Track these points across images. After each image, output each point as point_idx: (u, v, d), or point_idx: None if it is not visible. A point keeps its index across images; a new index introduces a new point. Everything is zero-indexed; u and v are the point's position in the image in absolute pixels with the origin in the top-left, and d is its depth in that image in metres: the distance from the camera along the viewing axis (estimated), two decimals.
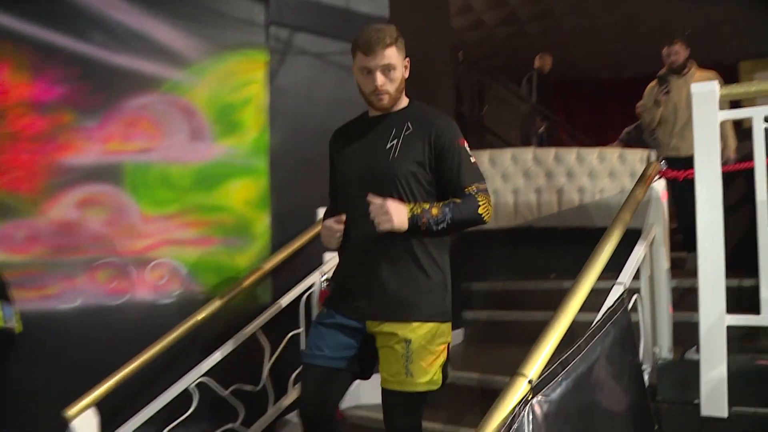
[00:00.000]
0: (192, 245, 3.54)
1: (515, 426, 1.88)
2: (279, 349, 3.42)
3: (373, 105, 2.37)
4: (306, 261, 3.58)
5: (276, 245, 3.61)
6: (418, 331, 2.28)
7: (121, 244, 3.46)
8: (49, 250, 3.39)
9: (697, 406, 2.56)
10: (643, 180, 2.95)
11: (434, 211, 2.27)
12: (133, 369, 2.92)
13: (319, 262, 3.59)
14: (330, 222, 2.37)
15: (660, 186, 3.00)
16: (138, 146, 3.49)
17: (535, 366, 2.04)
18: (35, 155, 3.39)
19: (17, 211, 3.37)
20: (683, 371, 2.68)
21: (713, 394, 2.54)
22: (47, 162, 3.40)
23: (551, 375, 2.05)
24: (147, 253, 3.48)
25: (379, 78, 2.27)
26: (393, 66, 2.28)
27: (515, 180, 5.34)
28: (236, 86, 3.66)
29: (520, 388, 1.96)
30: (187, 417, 3.09)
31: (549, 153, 5.48)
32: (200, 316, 3.14)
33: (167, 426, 3.08)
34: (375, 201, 2.22)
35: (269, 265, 3.46)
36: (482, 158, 5.33)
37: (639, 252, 2.79)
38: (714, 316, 2.54)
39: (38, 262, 3.37)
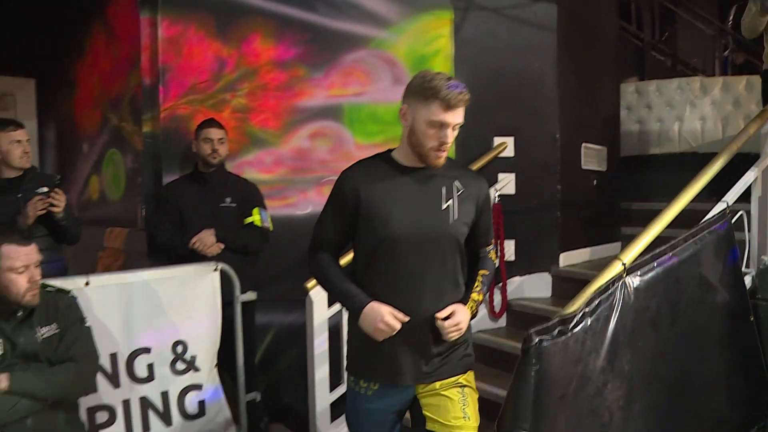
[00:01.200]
0: None
1: (608, 293, 2.58)
2: None
3: (427, 160, 2.20)
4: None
5: None
6: (467, 377, 2.34)
7: (341, 166, 4.28)
8: (289, 170, 4.37)
9: None
10: (761, 115, 3.40)
11: (479, 297, 2.33)
12: (348, 258, 3.81)
13: (495, 181, 4.39)
14: (391, 318, 2.14)
15: None
16: (353, 91, 4.38)
17: (631, 254, 2.72)
18: (279, 101, 4.34)
19: (267, 142, 4.35)
20: None
21: None
22: (287, 105, 4.35)
23: (644, 263, 2.72)
24: None
25: (451, 136, 2.17)
26: (459, 124, 2.20)
27: (680, 108, 5.71)
28: (428, 41, 4.43)
29: (615, 269, 2.65)
30: None
31: (716, 82, 5.77)
32: None
33: None
34: (448, 320, 2.18)
35: None
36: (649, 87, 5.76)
37: (749, 176, 3.30)
38: None
39: (282, 179, 4.36)
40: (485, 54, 4.50)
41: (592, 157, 4.84)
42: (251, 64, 4.34)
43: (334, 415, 3.86)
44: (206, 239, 3.77)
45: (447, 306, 2.21)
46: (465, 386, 2.30)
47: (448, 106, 2.12)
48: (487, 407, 3.46)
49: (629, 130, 5.80)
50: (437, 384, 2.26)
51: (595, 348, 2.47)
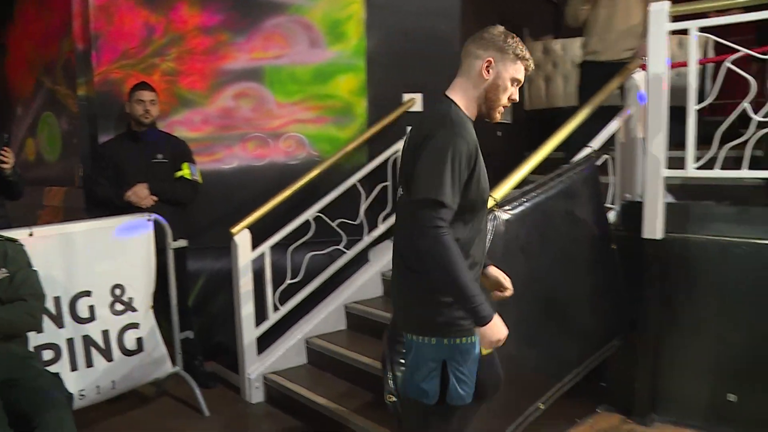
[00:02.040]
0: (312, 123, 4.82)
1: None
2: (372, 196, 4.75)
3: (492, 114, 2.29)
4: (394, 133, 4.81)
5: (371, 122, 4.83)
6: None
7: (263, 123, 4.76)
8: (216, 128, 4.70)
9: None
10: (621, 72, 3.88)
11: None
12: (271, 206, 4.21)
13: (404, 134, 4.79)
14: (504, 331, 2.18)
15: (640, 76, 3.89)
16: (273, 54, 4.72)
17: (501, 191, 3.15)
18: (205, 64, 4.65)
19: (195, 102, 4.66)
20: (637, 210, 3.66)
21: (650, 223, 3.57)
22: (213, 68, 4.66)
23: (513, 198, 3.16)
24: (280, 129, 4.79)
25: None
26: None
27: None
28: (341, 6, 4.79)
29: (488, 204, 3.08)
30: (307, 240, 4.46)
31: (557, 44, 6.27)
32: (316, 172, 4.46)
33: (293, 244, 4.46)
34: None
35: (365, 136, 4.74)
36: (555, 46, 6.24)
37: (613, 125, 3.78)
38: (655, 171, 3.53)
39: (209, 137, 4.69)
40: (395, 17, 4.87)
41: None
42: (178, 30, 4.62)
43: (261, 348, 4.30)
44: (140, 192, 4.10)
45: None
46: None
47: (528, 69, 2.29)
48: (361, 377, 3.91)
49: (538, 85, 6.25)
50: None
51: None
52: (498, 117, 2.29)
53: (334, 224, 4.58)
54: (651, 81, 3.48)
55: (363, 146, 4.77)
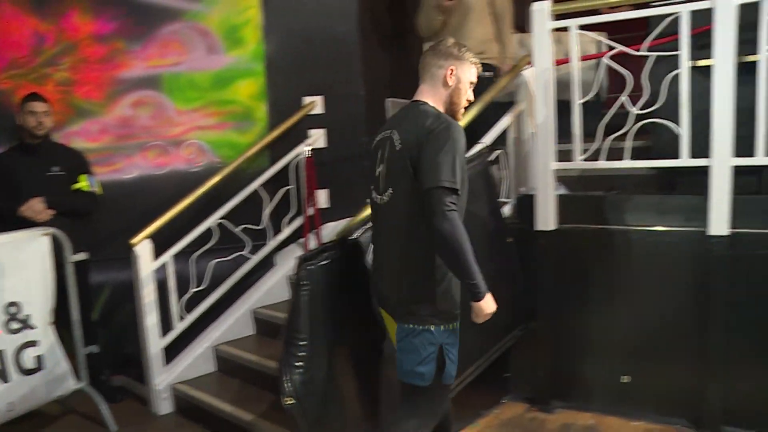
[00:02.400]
0: (212, 129, 4.77)
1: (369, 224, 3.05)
2: (275, 200, 4.74)
3: (457, 113, 2.58)
4: (295, 136, 4.82)
5: (272, 126, 4.81)
6: None
7: (163, 131, 4.68)
8: (115, 138, 4.59)
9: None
10: (513, 70, 3.98)
11: None
12: (172, 215, 4.16)
13: (306, 137, 4.82)
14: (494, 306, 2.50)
15: (529, 73, 3.97)
16: (171, 61, 4.65)
17: None
18: (101, 72, 4.53)
19: (92, 112, 4.54)
20: (530, 202, 3.77)
21: (542, 215, 3.67)
22: (109, 77, 4.55)
23: None
24: (181, 137, 4.72)
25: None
26: None
27: None
28: (238, 11, 4.75)
29: None
30: (210, 247, 4.42)
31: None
32: (217, 178, 4.43)
33: (197, 252, 4.41)
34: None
35: (266, 140, 4.71)
36: None
37: (504, 121, 3.88)
38: (545, 164, 3.64)
39: (108, 146, 4.58)
40: (293, 21, 4.87)
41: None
42: (71, 38, 4.49)
43: (169, 358, 4.25)
44: (35, 206, 3.99)
45: None
46: None
47: (477, 71, 2.60)
48: (270, 381, 3.87)
49: None
50: None
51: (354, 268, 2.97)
52: (461, 117, 2.62)
53: (237, 230, 4.54)
54: (537, 77, 3.58)
55: (264, 150, 4.74)
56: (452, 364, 2.52)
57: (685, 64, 3.30)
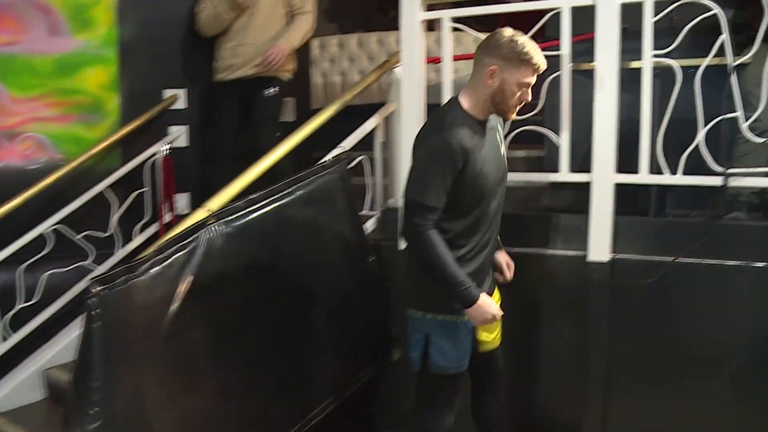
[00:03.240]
0: (54, 121, 4.14)
1: (188, 240, 2.56)
2: (126, 204, 4.16)
3: (505, 113, 2.41)
4: (152, 133, 4.26)
5: (125, 120, 4.24)
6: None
7: None
8: None
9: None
10: (381, 66, 3.55)
11: None
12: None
13: (165, 134, 4.28)
14: (498, 311, 2.42)
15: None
16: (4, 40, 4.02)
17: (218, 201, 2.72)
18: None
19: None
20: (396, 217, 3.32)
21: None
22: None
23: (235, 208, 2.73)
24: (16, 128, 4.06)
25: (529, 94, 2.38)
26: None
27: (360, 62, 5.85)
28: None
29: (199, 216, 2.65)
30: (43, 257, 3.82)
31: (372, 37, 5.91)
32: (55, 176, 3.84)
33: (27, 261, 3.80)
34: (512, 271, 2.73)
35: (117, 135, 4.14)
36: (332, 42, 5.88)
37: (369, 123, 3.44)
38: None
39: None
40: (154, 5, 4.32)
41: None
42: None
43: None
44: None
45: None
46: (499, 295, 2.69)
47: (536, 71, 2.32)
48: None
49: (317, 83, 5.87)
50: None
51: (168, 295, 2.46)
52: (512, 116, 2.43)
53: (78, 237, 3.97)
54: (405, 76, 3.16)
55: (115, 148, 4.17)
56: (440, 355, 2.49)
57: (566, 66, 2.93)
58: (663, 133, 2.82)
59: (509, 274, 2.73)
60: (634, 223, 2.96)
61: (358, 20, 7.10)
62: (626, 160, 2.90)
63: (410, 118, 3.14)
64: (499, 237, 2.63)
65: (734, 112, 2.74)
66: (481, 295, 2.36)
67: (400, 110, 3.24)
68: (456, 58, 3.41)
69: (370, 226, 3.48)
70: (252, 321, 2.77)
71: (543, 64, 2.32)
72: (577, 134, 3.00)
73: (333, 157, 3.15)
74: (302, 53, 5.30)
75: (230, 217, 2.68)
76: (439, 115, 2.42)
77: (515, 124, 2.96)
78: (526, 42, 2.29)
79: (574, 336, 3.03)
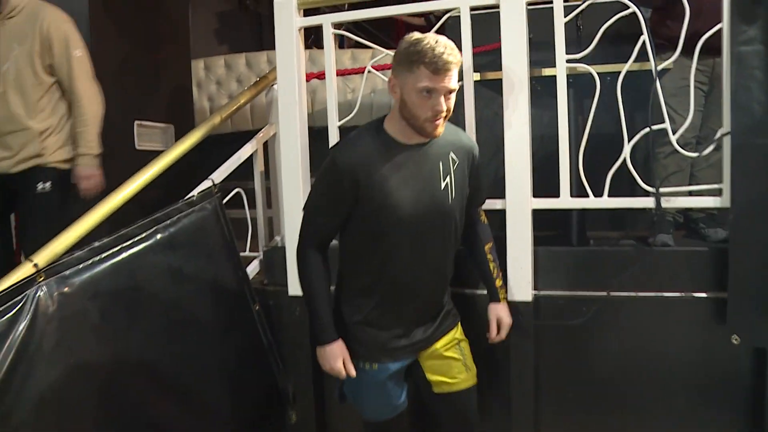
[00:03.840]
0: None
1: (9, 304, 1.99)
2: None
3: (424, 132, 1.98)
4: None
5: None
6: (458, 330, 2.29)
7: None
8: None
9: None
10: (257, 84, 3.05)
11: (501, 280, 2.35)
12: None
13: None
14: (342, 368, 2.08)
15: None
16: None
17: (48, 254, 2.16)
18: None
19: None
20: (282, 258, 2.81)
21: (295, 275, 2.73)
22: None
23: (74, 260, 2.17)
24: None
25: (445, 103, 1.92)
26: (454, 90, 1.95)
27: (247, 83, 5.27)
28: None
29: (25, 272, 2.08)
30: None
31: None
32: None
33: None
34: (500, 334, 2.31)
35: None
36: (218, 62, 5.35)
37: (245, 150, 2.93)
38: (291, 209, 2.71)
39: None
40: None
41: (152, 136, 4.27)
42: None
43: None
44: None
45: (444, 285, 2.21)
46: (460, 341, 2.28)
47: (436, 71, 1.87)
48: None
49: (203, 107, 5.32)
50: (437, 344, 2.21)
51: None
52: (431, 131, 1.98)
53: None
54: (282, 93, 2.68)
55: None
56: (356, 401, 2.24)
57: (468, 76, 2.51)
58: (583, 150, 2.43)
59: (494, 333, 2.32)
60: (557, 254, 2.55)
61: (246, 39, 6.63)
62: (544, 183, 2.51)
63: (290, 142, 2.66)
64: (499, 287, 2.32)
65: (656, 123, 2.37)
66: (333, 342, 2.08)
67: (279, 133, 2.72)
68: (345, 73, 2.97)
69: (253, 269, 2.96)
70: (103, 400, 2.20)
71: (439, 62, 1.86)
72: (486, 154, 2.58)
73: (200, 192, 2.62)
74: (184, 75, 4.77)
75: (67, 272, 2.13)
76: (349, 134, 2.10)
77: None
78: (422, 40, 1.89)
79: (495, 393, 2.58)
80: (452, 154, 2.09)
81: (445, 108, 1.93)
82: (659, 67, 2.35)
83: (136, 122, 4.11)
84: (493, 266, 2.31)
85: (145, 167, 2.57)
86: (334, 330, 2.10)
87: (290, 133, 2.65)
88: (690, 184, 2.87)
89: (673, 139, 2.34)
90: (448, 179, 2.07)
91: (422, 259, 2.08)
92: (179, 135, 4.50)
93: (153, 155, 4.27)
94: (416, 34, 1.92)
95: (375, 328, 2.12)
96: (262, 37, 6.62)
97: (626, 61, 2.36)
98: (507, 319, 2.31)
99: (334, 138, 2.64)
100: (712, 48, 2.33)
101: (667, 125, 2.36)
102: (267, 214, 3.10)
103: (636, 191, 2.47)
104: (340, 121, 2.67)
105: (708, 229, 2.95)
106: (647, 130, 2.35)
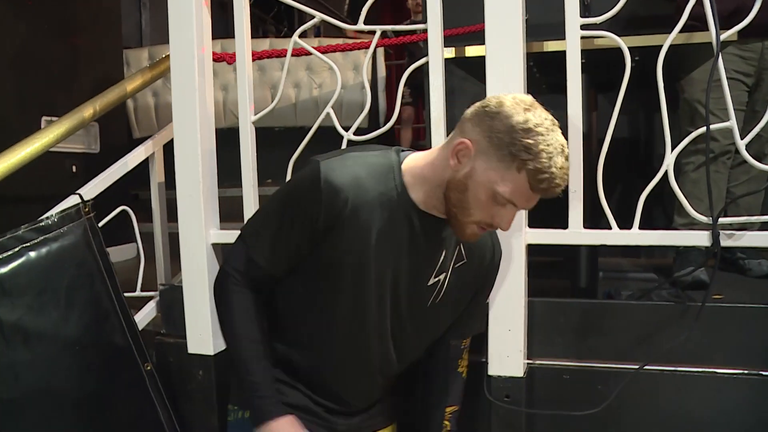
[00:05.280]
0: None
1: None
2: None
3: (458, 229, 1.33)
4: None
5: None
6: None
7: None
8: None
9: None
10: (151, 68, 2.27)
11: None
12: None
13: None
14: None
15: None
16: None
17: None
18: None
19: None
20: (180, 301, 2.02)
21: (195, 329, 1.96)
22: None
23: None
24: None
25: (510, 222, 1.32)
26: None
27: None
28: None
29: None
30: None
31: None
32: None
33: None
34: None
35: None
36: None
37: (137, 154, 2.16)
38: (198, 232, 1.93)
39: None
40: None
41: (72, 136, 3.51)
42: None
43: None
44: None
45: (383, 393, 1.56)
46: None
47: (538, 188, 1.23)
48: None
49: (146, 104, 4.55)
50: None
51: None
52: (469, 236, 1.31)
53: None
54: (176, 75, 1.89)
55: None
56: None
57: (436, 51, 1.73)
58: (603, 161, 1.63)
59: None
60: (561, 307, 1.76)
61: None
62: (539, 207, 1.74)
63: (187, 145, 1.86)
64: None
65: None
66: (279, 418, 1.40)
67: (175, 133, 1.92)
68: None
69: (146, 314, 2.16)
70: None
71: (553, 185, 1.22)
72: None
73: (61, 212, 1.83)
74: (113, 66, 4.03)
75: None
76: (349, 149, 1.46)
77: None
78: (544, 136, 1.21)
79: None
80: (462, 248, 1.44)
81: (506, 227, 1.31)
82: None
83: (44, 119, 3.37)
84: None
85: None
86: (278, 400, 1.42)
87: (187, 131, 1.85)
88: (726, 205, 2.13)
89: (741, 144, 1.54)
90: (441, 277, 1.43)
91: (366, 357, 1.46)
92: (107, 135, 3.79)
93: (71, 158, 3.61)
94: (535, 111, 1.22)
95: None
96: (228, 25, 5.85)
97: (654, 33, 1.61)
98: None
99: (248, 141, 1.86)
100: (761, 28, 1.67)
101: (732, 123, 1.57)
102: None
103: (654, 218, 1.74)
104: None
105: (749, 260, 2.34)
106: (700, 130, 1.56)
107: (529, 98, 1.25)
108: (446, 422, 1.58)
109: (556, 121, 1.23)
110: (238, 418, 1.52)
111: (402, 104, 1.87)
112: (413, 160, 1.36)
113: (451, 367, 1.58)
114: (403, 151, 1.39)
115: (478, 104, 1.27)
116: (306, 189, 1.31)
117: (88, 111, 2.00)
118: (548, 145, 1.20)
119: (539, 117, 1.21)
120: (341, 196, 1.28)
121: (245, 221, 1.48)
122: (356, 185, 1.30)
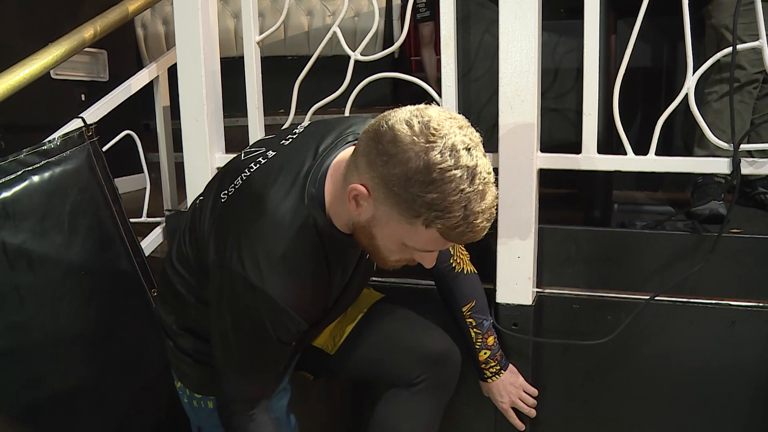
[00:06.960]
0: None
1: None
2: None
3: (384, 265, 1.22)
4: None
5: None
6: None
7: None
8: None
9: None
10: None
11: (486, 352, 1.65)
12: None
13: None
14: None
15: None
16: None
17: None
18: None
19: None
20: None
21: None
22: None
23: None
24: None
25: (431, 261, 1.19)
26: None
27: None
28: None
29: None
30: None
31: None
32: None
33: None
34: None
35: None
36: None
37: (140, 78, 2.09)
38: (203, 154, 1.88)
39: None
40: None
41: (76, 63, 3.42)
42: None
43: None
44: None
45: None
46: None
47: (454, 240, 1.07)
48: None
49: (156, 32, 4.44)
50: None
51: None
52: (390, 268, 1.21)
53: None
54: (178, 7, 1.81)
55: None
56: None
57: None
58: (619, 85, 1.55)
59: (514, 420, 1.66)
60: (572, 235, 1.70)
61: None
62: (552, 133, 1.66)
63: (191, 66, 1.79)
64: (484, 361, 1.60)
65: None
66: None
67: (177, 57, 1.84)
68: None
69: (152, 240, 2.12)
70: None
71: (474, 235, 1.04)
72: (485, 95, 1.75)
73: (63, 136, 1.78)
74: None
75: None
76: (271, 240, 1.17)
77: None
78: (454, 178, 0.99)
79: None
80: None
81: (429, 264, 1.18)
82: None
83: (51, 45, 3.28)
84: (475, 333, 1.56)
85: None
86: None
87: (189, 54, 1.78)
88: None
89: None
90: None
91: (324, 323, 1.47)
92: (116, 63, 3.71)
93: (80, 87, 3.55)
94: (442, 152, 0.98)
95: None
96: None
97: None
98: (506, 396, 1.62)
99: (252, 63, 1.78)
100: None
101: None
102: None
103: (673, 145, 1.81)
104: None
105: None
106: (726, 50, 1.47)
107: (434, 117, 1.01)
108: (469, 320, 1.57)
109: (474, 139, 1.01)
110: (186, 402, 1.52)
111: (420, 20, 1.79)
112: (328, 191, 1.18)
113: (446, 271, 1.55)
114: (318, 177, 1.18)
115: (371, 130, 1.05)
116: (261, 323, 1.19)
117: (88, 32, 1.92)
118: (461, 191, 0.98)
119: (445, 153, 0.98)
120: (291, 311, 1.18)
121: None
122: (296, 297, 1.18)
